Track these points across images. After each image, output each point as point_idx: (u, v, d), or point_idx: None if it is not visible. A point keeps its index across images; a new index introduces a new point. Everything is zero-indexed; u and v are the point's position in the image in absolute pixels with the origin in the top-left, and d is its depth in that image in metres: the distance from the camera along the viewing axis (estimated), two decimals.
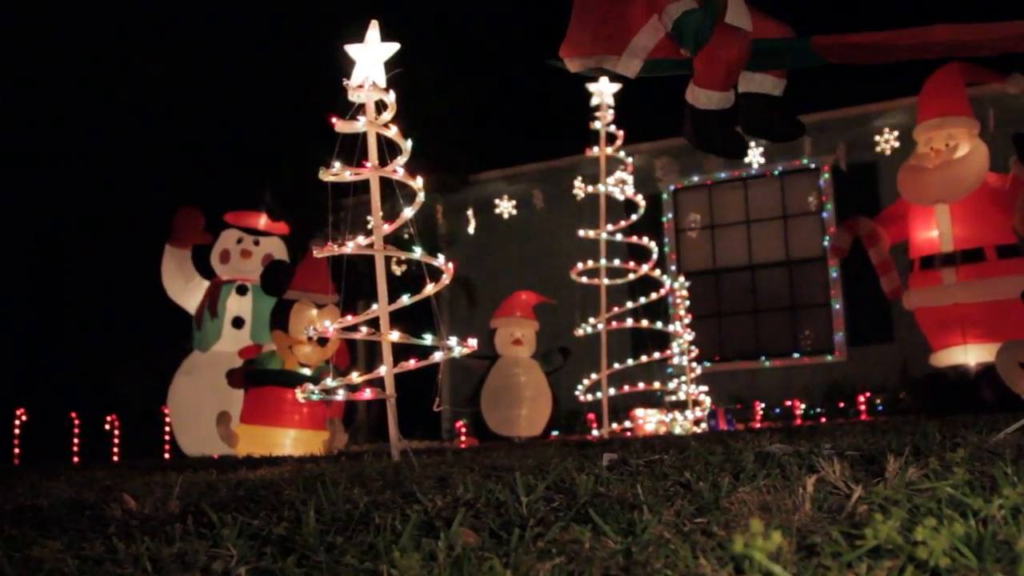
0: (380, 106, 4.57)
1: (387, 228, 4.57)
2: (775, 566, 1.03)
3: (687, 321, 8.43)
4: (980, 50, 3.14)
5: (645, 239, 8.09)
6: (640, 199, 8.11)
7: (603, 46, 3.49)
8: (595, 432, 9.02)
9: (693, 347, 8.41)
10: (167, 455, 9.50)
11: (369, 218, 4.55)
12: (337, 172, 4.41)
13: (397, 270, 10.98)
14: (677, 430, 7.98)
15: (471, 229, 12.19)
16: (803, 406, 10.12)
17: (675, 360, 8.45)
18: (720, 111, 3.33)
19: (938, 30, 3.07)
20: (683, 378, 8.30)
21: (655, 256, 8.13)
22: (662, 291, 8.22)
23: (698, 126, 3.38)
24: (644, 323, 8.05)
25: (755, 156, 10.90)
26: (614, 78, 6.90)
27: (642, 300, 8.00)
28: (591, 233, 7.97)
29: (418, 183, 4.58)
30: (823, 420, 9.53)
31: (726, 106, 3.34)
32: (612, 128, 7.88)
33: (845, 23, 3.50)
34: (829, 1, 10.91)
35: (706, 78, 3.27)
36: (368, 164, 4.48)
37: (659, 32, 3.38)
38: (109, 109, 12.41)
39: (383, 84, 4.52)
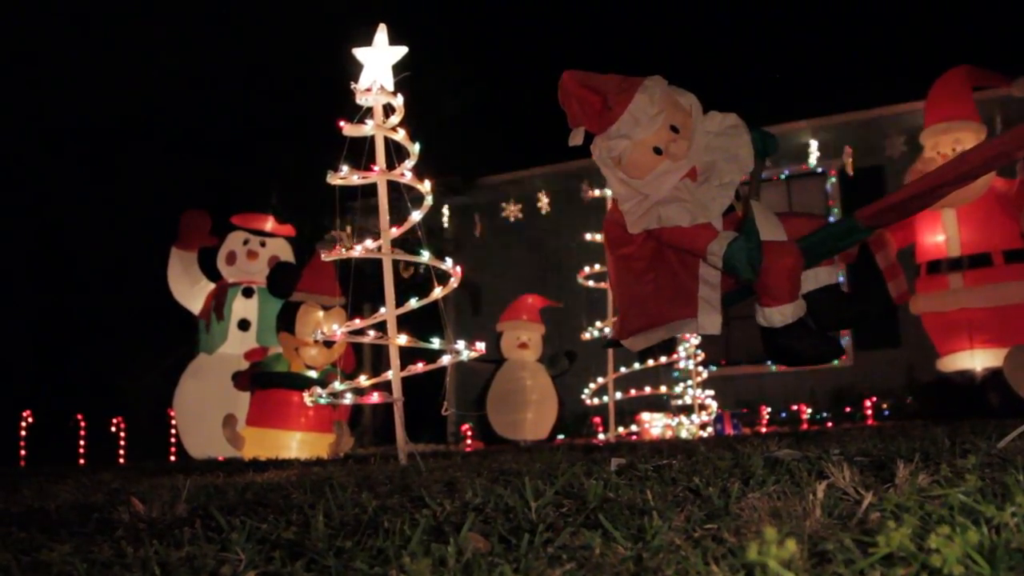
0: (388, 109, 4.57)
1: (394, 231, 4.57)
2: (789, 574, 1.03)
3: None
4: (1017, 153, 3.03)
5: None
6: None
7: (672, 312, 3.25)
8: (601, 436, 9.01)
9: (699, 351, 8.40)
10: (173, 457, 9.52)
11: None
12: (345, 176, 4.42)
13: (404, 273, 10.98)
14: (683, 434, 7.97)
15: (478, 232, 12.19)
16: (809, 410, 10.10)
17: (681, 364, 8.44)
18: (797, 322, 3.14)
19: (968, 158, 2.96)
20: (689, 382, 8.28)
21: None
22: None
23: (783, 346, 3.17)
24: None
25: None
26: None
27: None
28: (598, 236, 7.96)
29: (426, 186, 4.59)
30: (829, 425, 9.51)
31: (801, 314, 3.15)
32: None
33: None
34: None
35: (773, 296, 3.10)
36: (376, 168, 4.48)
37: (715, 276, 3.19)
38: (116, 112, 12.45)
39: (391, 88, 4.53)
